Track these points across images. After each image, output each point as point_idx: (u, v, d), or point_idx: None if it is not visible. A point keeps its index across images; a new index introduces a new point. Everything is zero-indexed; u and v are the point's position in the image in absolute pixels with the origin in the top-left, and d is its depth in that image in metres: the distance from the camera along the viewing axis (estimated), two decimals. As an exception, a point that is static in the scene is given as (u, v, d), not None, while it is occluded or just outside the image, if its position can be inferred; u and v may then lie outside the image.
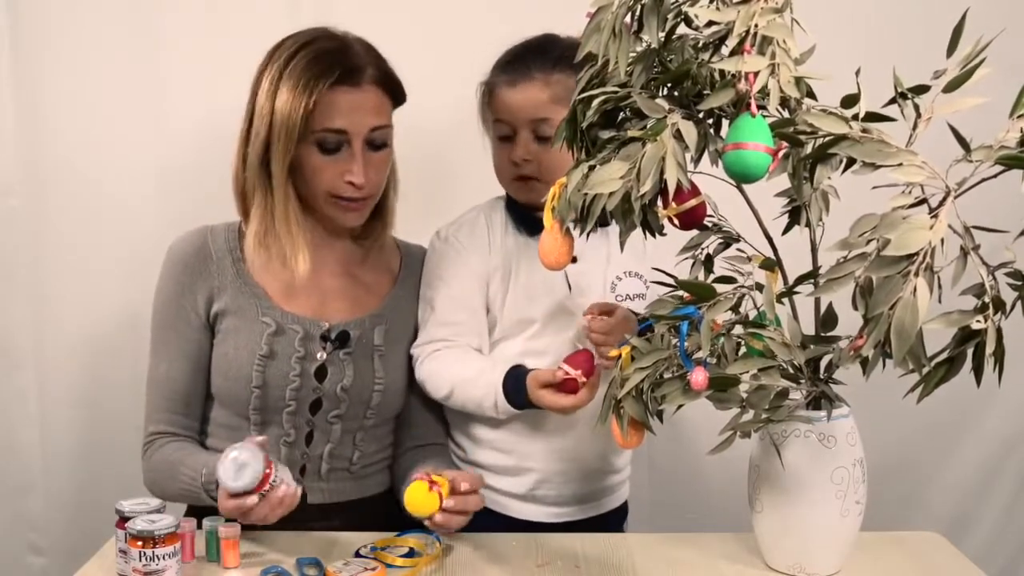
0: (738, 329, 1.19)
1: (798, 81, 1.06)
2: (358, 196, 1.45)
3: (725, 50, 1.09)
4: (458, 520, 1.31)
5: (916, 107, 1.16)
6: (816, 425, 1.21)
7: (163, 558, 1.19)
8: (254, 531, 1.33)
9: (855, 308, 1.08)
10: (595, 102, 1.14)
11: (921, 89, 1.15)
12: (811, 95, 1.14)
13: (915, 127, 1.15)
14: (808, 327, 1.22)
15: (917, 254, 0.98)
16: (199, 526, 1.32)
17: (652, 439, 1.30)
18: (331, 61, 1.41)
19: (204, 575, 1.29)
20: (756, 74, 1.02)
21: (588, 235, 1.19)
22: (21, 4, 1.84)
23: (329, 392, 1.47)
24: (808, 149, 1.15)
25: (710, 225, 1.29)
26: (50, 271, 1.90)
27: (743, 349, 1.18)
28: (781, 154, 1.14)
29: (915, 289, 0.97)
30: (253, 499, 1.24)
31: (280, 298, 1.49)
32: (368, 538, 1.37)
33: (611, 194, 1.09)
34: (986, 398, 1.94)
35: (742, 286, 1.21)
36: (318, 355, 1.47)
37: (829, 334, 1.22)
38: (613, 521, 1.60)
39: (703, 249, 1.31)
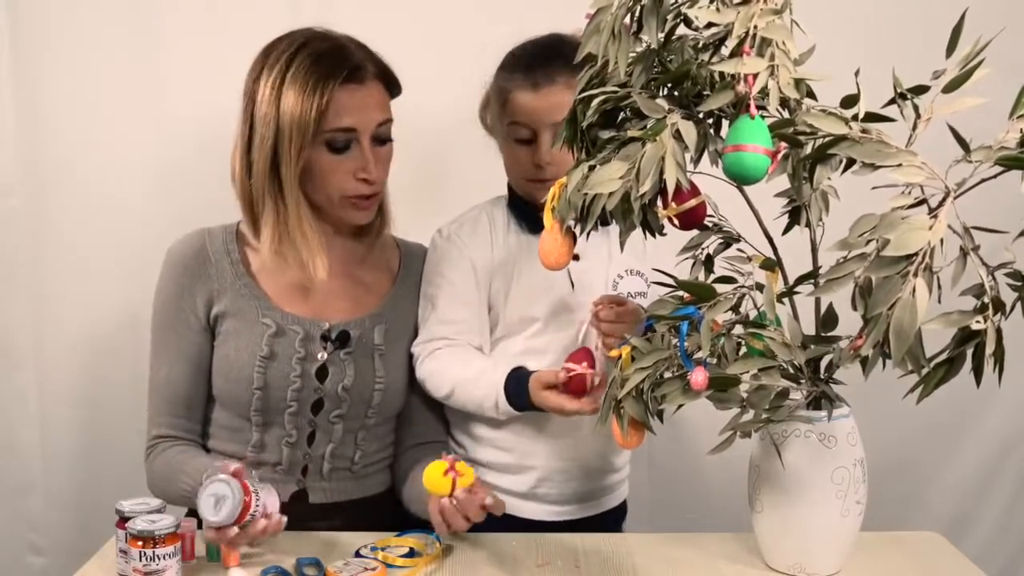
0: (738, 329, 1.19)
1: (797, 82, 1.06)
2: (370, 192, 1.46)
3: (725, 51, 1.09)
4: (457, 520, 1.30)
5: (916, 107, 1.16)
6: (816, 425, 1.21)
7: (163, 558, 1.19)
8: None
9: (855, 308, 1.08)
10: (595, 102, 1.14)
11: (921, 89, 1.15)
12: (811, 95, 1.14)
13: (915, 127, 1.15)
14: (808, 327, 1.22)
15: (916, 254, 0.98)
16: (199, 526, 1.32)
17: (652, 439, 1.30)
18: (335, 60, 1.41)
19: (204, 575, 1.29)
20: (755, 76, 1.02)
21: (589, 234, 1.19)
22: (21, 4, 1.84)
23: (330, 392, 1.47)
24: (808, 150, 1.15)
25: (710, 225, 1.29)
26: (50, 271, 1.90)
27: (743, 349, 1.18)
28: (781, 155, 1.14)
29: (914, 289, 0.97)
30: (233, 531, 1.22)
31: (280, 299, 1.49)
32: (368, 538, 1.37)
33: (611, 194, 1.09)
34: (986, 398, 1.94)
35: (742, 286, 1.22)
36: (319, 355, 1.47)
37: (829, 334, 1.22)
38: (612, 520, 1.60)
39: (703, 249, 1.31)
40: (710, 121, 1.16)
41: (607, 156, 1.13)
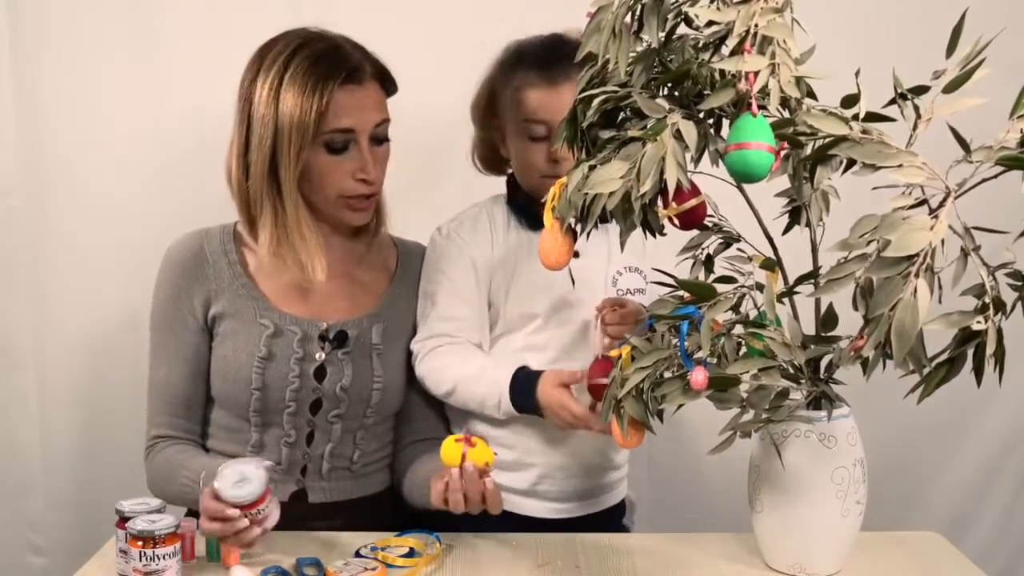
0: (738, 329, 1.19)
1: (798, 81, 1.06)
2: (368, 193, 1.46)
3: (725, 50, 1.09)
4: (456, 495, 1.29)
5: (916, 108, 1.16)
6: (816, 425, 1.21)
7: (163, 558, 1.19)
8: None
9: (855, 309, 1.08)
10: (595, 102, 1.14)
11: (921, 90, 1.15)
12: (811, 95, 1.14)
13: (915, 128, 1.15)
14: (808, 327, 1.22)
15: (917, 255, 0.98)
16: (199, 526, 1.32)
17: (652, 439, 1.30)
18: (333, 61, 1.41)
19: (204, 575, 1.29)
20: (756, 74, 1.02)
21: (589, 233, 1.19)
22: (21, 4, 1.84)
23: (328, 392, 1.47)
24: (808, 150, 1.15)
25: (710, 225, 1.29)
26: (50, 271, 1.90)
27: (743, 349, 1.18)
28: (782, 154, 1.14)
29: (915, 290, 0.97)
30: (235, 512, 1.21)
31: (277, 299, 1.48)
32: (368, 538, 1.37)
33: (611, 194, 1.09)
34: (986, 398, 1.94)
35: (742, 286, 1.22)
36: (317, 355, 1.47)
37: (829, 334, 1.22)
38: (612, 518, 1.60)
39: (703, 249, 1.31)
40: (710, 121, 1.16)
41: (607, 156, 1.13)
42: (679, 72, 1.13)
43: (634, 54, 1.14)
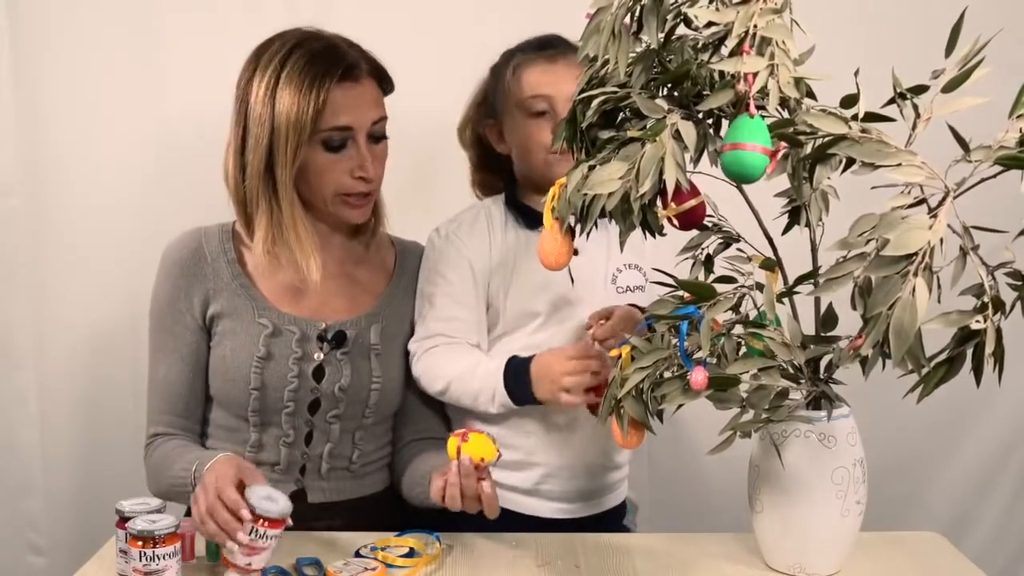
0: (738, 329, 1.19)
1: (797, 81, 1.06)
2: (366, 191, 1.46)
3: (724, 51, 1.09)
4: (454, 489, 1.29)
5: (915, 107, 1.16)
6: (816, 425, 1.21)
7: (163, 558, 1.19)
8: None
9: (854, 308, 1.08)
10: (595, 102, 1.14)
11: (920, 89, 1.15)
12: (811, 95, 1.14)
13: (914, 127, 1.15)
14: (808, 327, 1.22)
15: (916, 254, 0.98)
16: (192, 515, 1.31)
17: (652, 439, 1.30)
18: (329, 59, 1.41)
19: (204, 575, 1.29)
20: (755, 75, 1.02)
21: (589, 233, 1.19)
22: (21, 4, 1.84)
23: (327, 392, 1.47)
24: (807, 149, 1.15)
25: (710, 225, 1.29)
26: (50, 271, 1.90)
27: (743, 349, 1.18)
28: (780, 154, 1.14)
29: (914, 289, 0.97)
30: (247, 513, 1.19)
31: (276, 299, 1.48)
32: (368, 538, 1.37)
33: (611, 194, 1.09)
34: (986, 398, 1.94)
35: (742, 286, 1.21)
36: (315, 355, 1.47)
37: (829, 334, 1.22)
38: (613, 519, 1.60)
39: (703, 249, 1.31)
40: (710, 121, 1.16)
41: (607, 156, 1.13)
42: (678, 73, 1.13)
43: (633, 55, 1.14)
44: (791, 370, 1.18)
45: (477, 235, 1.53)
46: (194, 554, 1.31)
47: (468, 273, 1.51)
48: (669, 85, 1.16)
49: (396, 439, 1.58)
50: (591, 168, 1.13)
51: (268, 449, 1.47)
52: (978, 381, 1.05)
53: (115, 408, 1.90)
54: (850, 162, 1.12)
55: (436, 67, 1.78)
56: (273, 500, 1.22)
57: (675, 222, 1.22)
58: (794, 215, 1.27)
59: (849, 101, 1.13)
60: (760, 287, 1.22)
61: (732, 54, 1.04)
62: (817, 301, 1.23)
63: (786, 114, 1.11)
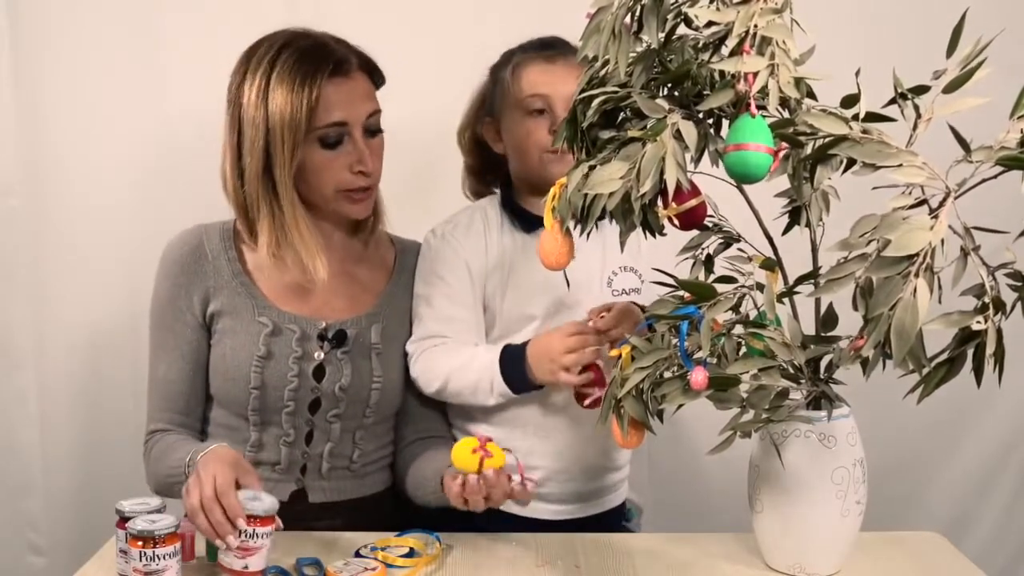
0: (738, 329, 1.19)
1: (798, 81, 1.06)
2: (366, 185, 1.46)
3: (725, 50, 1.09)
4: (477, 498, 1.28)
5: (916, 107, 1.16)
6: (816, 425, 1.21)
7: (163, 558, 1.19)
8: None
9: (855, 308, 1.08)
10: (595, 102, 1.14)
11: (921, 89, 1.15)
12: (811, 95, 1.14)
13: (915, 127, 1.15)
14: (808, 327, 1.22)
15: (917, 255, 0.98)
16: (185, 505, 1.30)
17: (652, 439, 1.30)
18: (319, 56, 1.40)
19: (204, 575, 1.28)
20: (756, 74, 1.02)
21: (589, 233, 1.19)
22: (21, 4, 1.84)
23: (327, 392, 1.47)
24: (808, 150, 1.15)
25: (710, 225, 1.29)
26: (50, 271, 1.90)
27: (743, 349, 1.18)
28: (782, 155, 1.14)
29: (915, 290, 0.97)
30: (243, 523, 1.19)
31: (276, 298, 1.48)
32: (368, 538, 1.37)
33: (611, 194, 1.09)
34: (986, 398, 1.94)
35: (742, 286, 1.21)
36: (315, 355, 1.47)
37: (829, 334, 1.22)
38: (613, 520, 1.60)
39: (703, 249, 1.31)
40: (710, 121, 1.16)
41: (607, 156, 1.13)
42: (679, 72, 1.13)
43: (634, 55, 1.14)
44: (791, 370, 1.18)
45: (473, 236, 1.53)
46: (194, 554, 1.31)
47: (465, 274, 1.51)
48: (669, 85, 1.16)
49: (398, 439, 1.58)
50: (592, 168, 1.13)
51: (268, 448, 1.47)
52: (978, 381, 1.05)
53: (115, 408, 1.90)
54: (851, 162, 1.12)
55: (436, 67, 1.78)
56: (259, 499, 1.22)
57: (676, 222, 1.22)
58: (794, 215, 1.27)
59: (850, 101, 1.13)
60: (760, 287, 1.22)
61: (732, 54, 1.04)
62: (817, 301, 1.23)
63: (786, 114, 1.11)
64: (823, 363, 1.22)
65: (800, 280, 1.21)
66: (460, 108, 1.59)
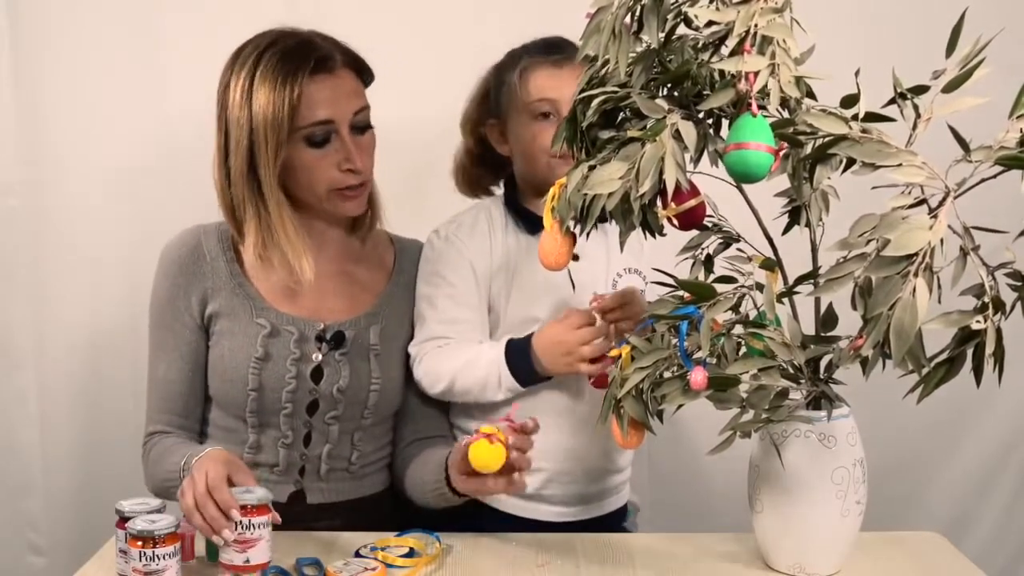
0: (738, 329, 1.19)
1: (798, 81, 1.06)
2: (357, 182, 1.45)
3: (725, 50, 1.09)
4: (524, 460, 1.28)
5: (916, 107, 1.16)
6: (816, 425, 1.21)
7: (163, 558, 1.19)
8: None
9: (855, 308, 1.08)
10: (595, 102, 1.14)
11: (920, 89, 1.15)
12: (811, 95, 1.14)
13: (915, 127, 1.15)
14: (808, 327, 1.22)
15: (917, 254, 0.98)
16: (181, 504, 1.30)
17: (652, 439, 1.30)
18: (301, 54, 1.40)
19: (204, 575, 1.28)
20: (756, 74, 1.02)
21: (588, 234, 1.19)
22: (21, 4, 1.84)
23: (325, 393, 1.46)
24: (808, 149, 1.15)
25: (710, 225, 1.29)
26: (50, 271, 1.90)
27: (743, 349, 1.18)
28: (782, 154, 1.14)
29: (915, 289, 0.97)
30: (232, 500, 1.20)
31: (274, 299, 1.48)
32: (368, 538, 1.37)
33: (611, 194, 1.09)
34: (986, 398, 1.94)
35: (742, 286, 1.21)
36: (313, 356, 1.47)
37: (829, 334, 1.22)
38: (615, 522, 1.60)
39: (703, 249, 1.31)
40: (710, 121, 1.16)
41: (607, 156, 1.13)
42: (679, 72, 1.13)
43: (634, 54, 1.14)
44: (791, 370, 1.18)
45: (478, 237, 1.53)
46: (194, 554, 1.31)
47: (470, 274, 1.51)
48: (669, 85, 1.16)
49: (397, 439, 1.58)
50: (591, 168, 1.13)
51: (267, 450, 1.47)
52: (978, 381, 1.05)
53: (115, 408, 1.90)
54: (850, 162, 1.12)
55: (436, 67, 1.78)
56: (251, 491, 1.23)
57: (675, 222, 1.22)
58: (794, 215, 1.27)
59: (849, 101, 1.13)
60: (760, 287, 1.22)
61: (733, 53, 1.04)
62: (817, 301, 1.23)
63: (786, 114, 1.11)
64: (823, 363, 1.22)
65: (800, 280, 1.21)
66: (460, 108, 1.59)
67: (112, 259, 1.89)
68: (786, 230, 1.28)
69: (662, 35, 1.11)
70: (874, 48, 1.58)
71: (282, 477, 1.48)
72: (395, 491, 1.57)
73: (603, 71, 1.16)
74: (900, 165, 1.03)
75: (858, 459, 1.24)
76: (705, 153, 1.15)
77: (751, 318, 1.21)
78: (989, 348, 1.02)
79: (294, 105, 1.37)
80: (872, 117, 1.11)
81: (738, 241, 1.29)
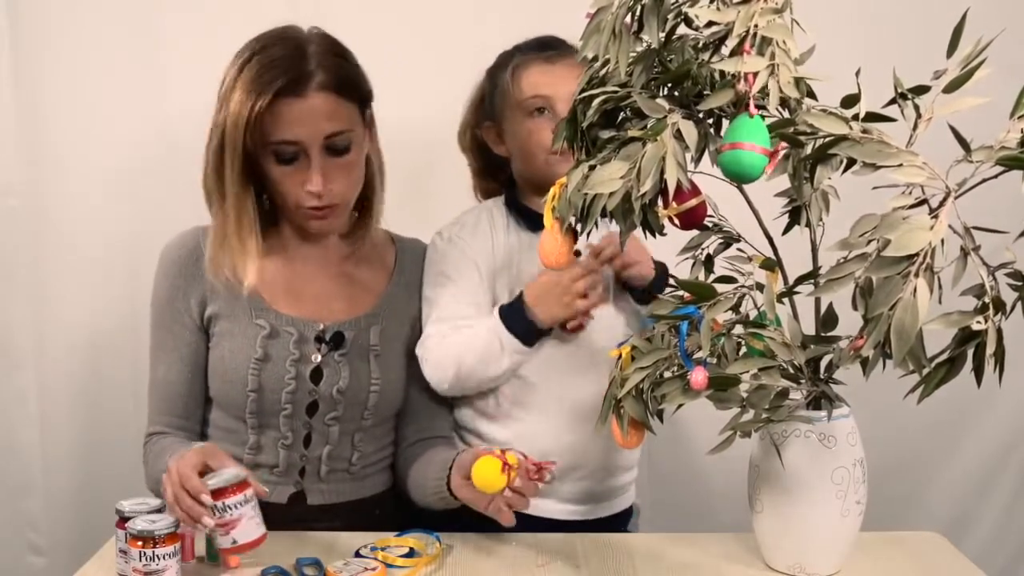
0: (738, 329, 1.19)
1: (798, 81, 1.06)
2: (321, 204, 1.42)
3: (725, 50, 1.09)
4: (522, 504, 1.28)
5: (916, 107, 1.16)
6: (816, 425, 1.21)
7: (163, 558, 1.19)
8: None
9: (855, 308, 1.08)
10: (595, 102, 1.14)
11: (921, 89, 1.15)
12: (811, 95, 1.14)
13: (915, 127, 1.15)
14: (808, 327, 1.22)
15: (917, 255, 0.98)
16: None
17: (652, 439, 1.30)
18: (277, 71, 1.36)
19: (204, 575, 1.28)
20: (756, 74, 1.02)
21: (589, 233, 1.19)
22: (21, 4, 1.84)
23: (325, 394, 1.46)
24: (808, 149, 1.15)
25: (710, 225, 1.29)
26: (50, 271, 1.90)
27: (743, 349, 1.18)
28: (781, 155, 1.14)
29: (915, 290, 0.97)
30: (200, 485, 1.20)
31: (274, 300, 1.48)
32: (368, 538, 1.37)
33: (611, 194, 1.09)
34: (986, 398, 1.94)
35: (742, 286, 1.22)
36: (313, 357, 1.46)
37: (829, 334, 1.22)
38: (621, 523, 1.60)
39: (703, 249, 1.31)
40: (710, 121, 1.16)
41: (607, 156, 1.13)
42: (679, 72, 1.13)
43: (634, 54, 1.14)
44: (791, 370, 1.18)
45: (480, 237, 1.53)
46: (194, 554, 1.31)
47: (474, 272, 1.51)
48: (670, 85, 1.16)
49: (399, 439, 1.58)
50: (592, 168, 1.13)
51: (267, 451, 1.47)
52: (979, 381, 1.05)
53: (115, 408, 1.90)
54: (851, 162, 1.12)
55: (436, 67, 1.78)
56: (219, 474, 1.23)
57: (676, 222, 1.22)
58: (794, 215, 1.27)
59: (850, 101, 1.13)
60: (760, 287, 1.22)
61: (733, 54, 1.04)
62: (817, 301, 1.23)
63: (786, 114, 1.11)
64: (823, 363, 1.22)
65: (800, 280, 1.21)
66: (460, 108, 1.59)
67: (112, 259, 1.89)
68: (786, 230, 1.28)
69: (662, 35, 1.11)
70: (874, 48, 1.58)
71: (282, 478, 1.48)
72: (396, 492, 1.57)
73: (603, 71, 1.16)
74: (901, 165, 1.03)
75: (858, 459, 1.24)
76: (706, 153, 1.15)
77: (751, 318, 1.21)
78: (990, 348, 1.02)
79: (259, 115, 1.35)
80: (872, 117, 1.11)
81: (738, 241, 1.29)
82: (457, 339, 1.47)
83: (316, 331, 1.47)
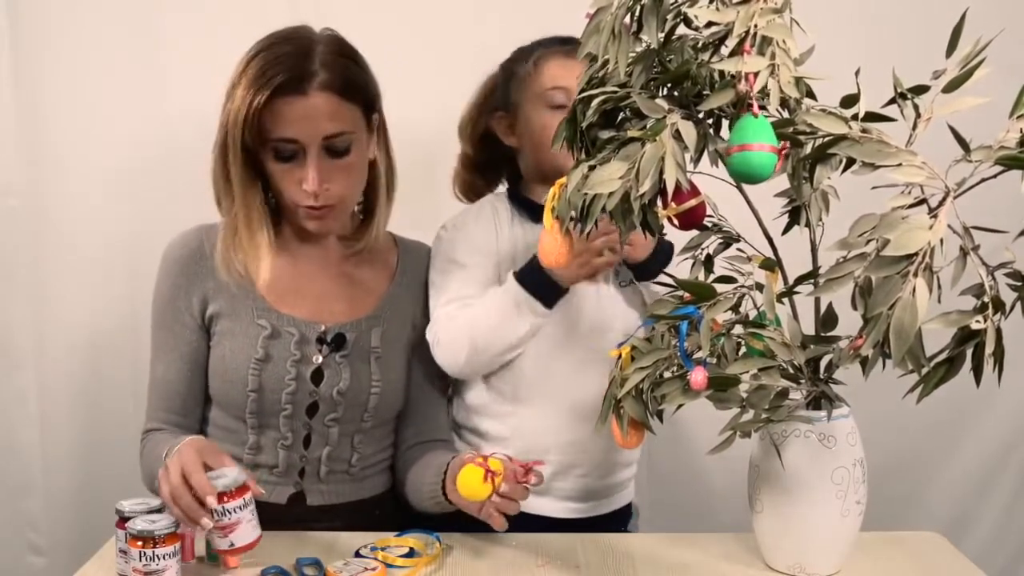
0: (738, 329, 1.19)
1: (798, 81, 1.06)
2: (317, 204, 1.42)
3: (725, 50, 1.09)
4: (512, 508, 1.27)
5: (916, 107, 1.16)
6: (816, 425, 1.21)
7: (163, 558, 1.19)
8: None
9: (854, 308, 1.08)
10: (595, 102, 1.14)
11: (921, 89, 1.15)
12: (811, 95, 1.14)
13: (915, 127, 1.15)
14: (808, 327, 1.22)
15: (916, 254, 0.98)
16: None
17: (652, 439, 1.30)
18: (280, 68, 1.36)
19: (204, 575, 1.29)
20: (756, 74, 1.02)
21: (589, 233, 1.19)
22: (21, 4, 1.84)
23: (325, 396, 1.46)
24: (808, 149, 1.15)
25: (710, 225, 1.29)
26: (50, 271, 1.90)
27: (743, 349, 1.18)
28: (783, 154, 1.14)
29: (914, 289, 0.97)
30: (212, 501, 1.20)
31: (275, 300, 1.48)
32: (368, 538, 1.37)
33: (611, 194, 1.09)
34: (986, 398, 1.94)
35: (742, 286, 1.22)
36: (314, 358, 1.46)
37: (829, 334, 1.22)
38: (621, 521, 1.60)
39: (703, 249, 1.31)
40: (710, 121, 1.16)
41: (607, 156, 1.13)
42: (678, 72, 1.13)
43: (633, 54, 1.14)
44: (791, 370, 1.18)
45: (484, 226, 1.53)
46: (194, 554, 1.31)
47: (480, 259, 1.51)
48: (669, 85, 1.16)
49: (399, 441, 1.58)
50: (591, 168, 1.13)
51: (266, 451, 1.47)
52: (978, 381, 1.05)
53: (115, 408, 1.90)
54: (850, 162, 1.12)
55: (436, 67, 1.78)
56: (222, 476, 1.23)
57: (675, 222, 1.22)
58: (794, 215, 1.27)
59: (849, 101, 1.13)
60: (760, 287, 1.22)
61: (732, 54, 1.04)
62: (817, 301, 1.23)
63: (786, 114, 1.11)
64: (823, 363, 1.22)
65: (800, 280, 1.21)
66: (460, 108, 1.59)
67: (112, 259, 1.89)
68: (786, 230, 1.28)
69: (662, 35, 1.11)
70: (874, 48, 1.58)
71: (282, 479, 1.48)
72: (396, 493, 1.57)
73: (603, 71, 1.16)
74: (900, 165, 1.03)
75: (858, 459, 1.24)
76: (705, 153, 1.15)
77: (751, 318, 1.21)
78: (989, 348, 1.02)
79: (258, 111, 1.35)
80: (872, 117, 1.12)
81: (738, 241, 1.29)
82: (468, 313, 1.46)
83: (318, 332, 1.47)
